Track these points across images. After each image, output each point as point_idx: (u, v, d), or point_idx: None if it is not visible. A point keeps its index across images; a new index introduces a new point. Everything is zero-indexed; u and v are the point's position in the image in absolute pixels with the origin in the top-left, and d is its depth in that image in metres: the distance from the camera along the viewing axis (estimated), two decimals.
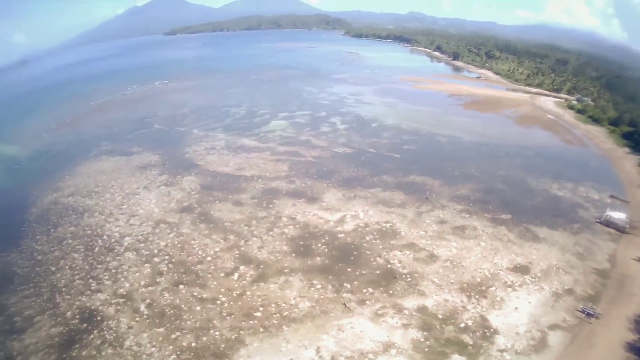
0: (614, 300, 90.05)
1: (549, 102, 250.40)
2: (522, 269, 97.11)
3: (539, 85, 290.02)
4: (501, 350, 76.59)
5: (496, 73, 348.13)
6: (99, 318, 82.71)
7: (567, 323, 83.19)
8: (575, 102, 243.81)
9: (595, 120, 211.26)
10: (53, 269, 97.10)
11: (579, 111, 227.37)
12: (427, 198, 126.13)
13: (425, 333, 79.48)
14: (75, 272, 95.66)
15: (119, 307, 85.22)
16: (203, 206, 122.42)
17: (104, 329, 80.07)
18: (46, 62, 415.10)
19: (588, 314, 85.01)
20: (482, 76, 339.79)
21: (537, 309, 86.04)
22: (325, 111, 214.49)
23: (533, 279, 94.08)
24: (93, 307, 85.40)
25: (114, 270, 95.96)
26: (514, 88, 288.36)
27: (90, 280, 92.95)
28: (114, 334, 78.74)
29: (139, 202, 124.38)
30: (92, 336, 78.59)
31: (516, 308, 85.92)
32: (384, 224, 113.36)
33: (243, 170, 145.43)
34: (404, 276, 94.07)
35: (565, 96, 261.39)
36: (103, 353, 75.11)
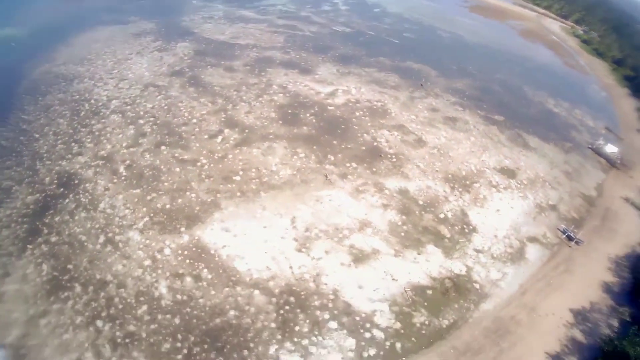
0: (597, 231, 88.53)
1: (555, 25, 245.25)
2: (508, 172, 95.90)
3: (547, 8, 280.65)
4: (477, 251, 75.48)
5: None
6: (76, 181, 79.98)
7: (547, 240, 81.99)
8: (581, 32, 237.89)
9: (600, 54, 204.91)
10: (37, 136, 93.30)
11: (584, 41, 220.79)
12: (421, 85, 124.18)
13: (403, 217, 78.22)
14: (59, 137, 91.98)
15: (98, 170, 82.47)
16: (194, 70, 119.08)
17: (80, 192, 77.46)
18: None
19: (569, 237, 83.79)
20: None
21: (519, 217, 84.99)
22: None
23: (518, 185, 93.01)
24: (72, 171, 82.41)
25: (97, 133, 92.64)
26: (521, 4, 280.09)
27: (73, 144, 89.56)
28: (90, 197, 76.25)
29: (130, 67, 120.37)
30: (67, 200, 75.94)
31: (498, 210, 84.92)
32: (375, 103, 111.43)
33: (238, 39, 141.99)
34: (389, 156, 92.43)
35: (572, 24, 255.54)
36: (76, 217, 72.70)
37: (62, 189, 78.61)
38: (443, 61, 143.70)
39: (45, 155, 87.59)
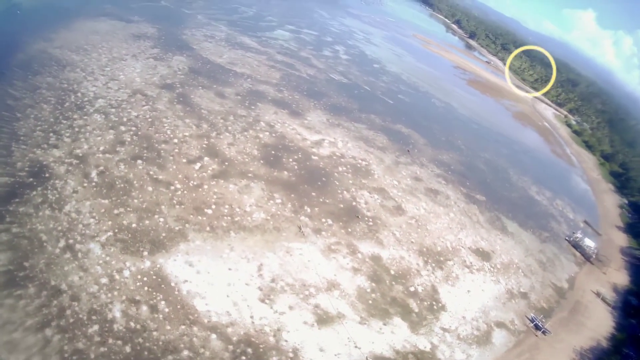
0: (565, 323, 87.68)
1: (548, 111, 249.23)
2: (483, 255, 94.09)
3: (544, 94, 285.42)
4: (444, 329, 73.20)
5: (510, 69, 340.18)
6: (47, 175, 74.85)
7: (515, 327, 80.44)
8: (574, 122, 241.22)
9: (589, 147, 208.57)
10: (19, 115, 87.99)
11: (575, 132, 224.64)
12: (408, 151, 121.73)
13: (373, 284, 75.16)
14: (39, 123, 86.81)
15: (70, 168, 77.25)
16: (185, 88, 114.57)
17: (49, 187, 72.42)
18: None
19: (537, 326, 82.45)
20: (492, 63, 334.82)
21: (489, 300, 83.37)
22: (332, 38, 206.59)
23: (492, 269, 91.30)
24: (45, 163, 77.24)
25: (77, 129, 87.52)
26: (519, 85, 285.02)
27: (51, 134, 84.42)
28: (57, 195, 71.24)
29: (123, 68, 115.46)
30: (34, 193, 70.86)
31: (469, 291, 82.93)
32: (360, 161, 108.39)
33: (235, 66, 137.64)
34: (366, 218, 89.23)
35: (566, 113, 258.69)
36: (40, 213, 67.66)
37: (31, 179, 73.53)
38: (433, 130, 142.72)
39: (22, 138, 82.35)
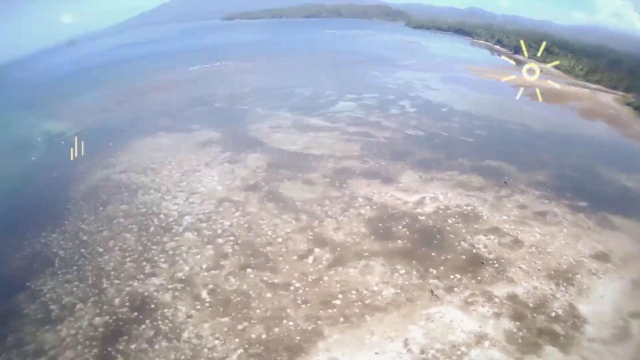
0: None
1: (608, 97, 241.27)
2: (603, 257, 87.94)
3: (597, 82, 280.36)
4: (591, 340, 67.83)
5: (556, 68, 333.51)
6: (152, 306, 70.59)
7: None
8: (633, 99, 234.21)
9: None
10: (101, 250, 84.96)
11: (637, 108, 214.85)
12: (505, 182, 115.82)
13: (517, 323, 69.88)
14: (127, 254, 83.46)
15: (176, 294, 73.10)
16: (271, 185, 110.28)
17: (159, 318, 67.96)
18: (98, 43, 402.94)
19: None
20: (543, 69, 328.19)
21: (619, 297, 77.58)
22: (393, 94, 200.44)
23: (614, 267, 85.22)
24: (146, 294, 73.24)
25: (171, 252, 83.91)
26: (574, 83, 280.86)
27: (144, 263, 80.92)
28: (170, 324, 66.63)
29: (200, 180, 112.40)
30: (143, 326, 66.43)
31: (602, 297, 77.12)
32: (465, 207, 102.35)
33: (312, 149, 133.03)
34: (490, 262, 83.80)
35: (622, 93, 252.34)
36: (156, 346, 63.03)
37: (136, 313, 69.48)
38: (519, 154, 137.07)
39: (112, 273, 78.99)
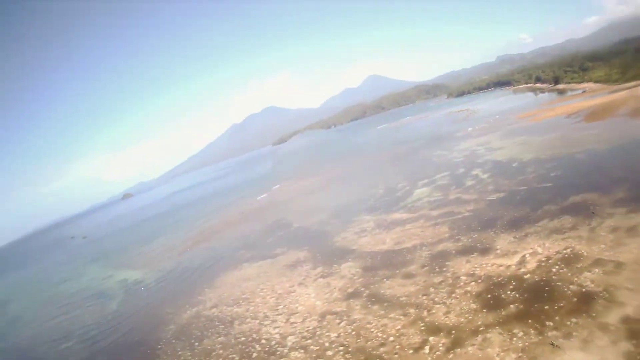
0: None
1: None
2: None
3: (634, 78, 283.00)
4: None
5: (596, 82, 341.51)
6: None
7: None
8: None
9: None
10: None
11: None
12: (593, 212, 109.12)
13: (634, 341, 63.89)
14: None
15: None
16: (370, 288, 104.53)
17: None
18: (155, 193, 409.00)
19: None
20: (587, 89, 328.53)
21: None
22: (463, 167, 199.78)
23: None
24: None
25: None
26: (616, 89, 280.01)
27: None
28: None
29: (297, 300, 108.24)
30: None
31: None
32: (564, 251, 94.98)
33: (403, 244, 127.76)
34: (600, 294, 76.68)
35: None
36: None
37: None
38: (596, 180, 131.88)
39: None
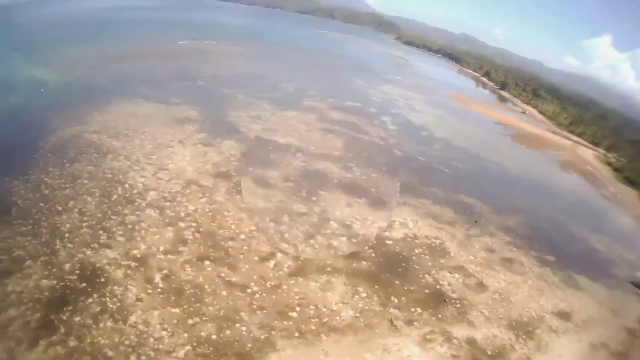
0: None
1: (589, 153, 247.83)
2: (565, 316, 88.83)
3: (580, 135, 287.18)
4: None
5: (540, 112, 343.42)
6: (102, 280, 66.25)
7: None
8: (613, 160, 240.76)
9: (631, 183, 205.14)
10: (59, 208, 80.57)
11: (616, 169, 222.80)
12: (476, 222, 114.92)
13: None
14: (85, 218, 78.99)
15: (129, 272, 68.72)
16: (241, 176, 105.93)
17: (107, 294, 63.69)
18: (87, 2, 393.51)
19: None
20: (527, 112, 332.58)
21: (577, 359, 78.61)
22: (375, 107, 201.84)
23: (575, 328, 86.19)
24: (98, 265, 68.72)
25: (130, 226, 79.44)
26: (556, 131, 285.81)
27: (101, 232, 76.36)
28: (118, 304, 62.51)
29: (171, 156, 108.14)
30: (90, 300, 62.11)
31: (560, 355, 77.75)
32: (433, 240, 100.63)
33: (283, 137, 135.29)
34: (453, 301, 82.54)
35: (604, 152, 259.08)
36: (101, 325, 58.73)
37: (84, 284, 64.96)
38: (494, 195, 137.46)
39: (67, 235, 74.46)
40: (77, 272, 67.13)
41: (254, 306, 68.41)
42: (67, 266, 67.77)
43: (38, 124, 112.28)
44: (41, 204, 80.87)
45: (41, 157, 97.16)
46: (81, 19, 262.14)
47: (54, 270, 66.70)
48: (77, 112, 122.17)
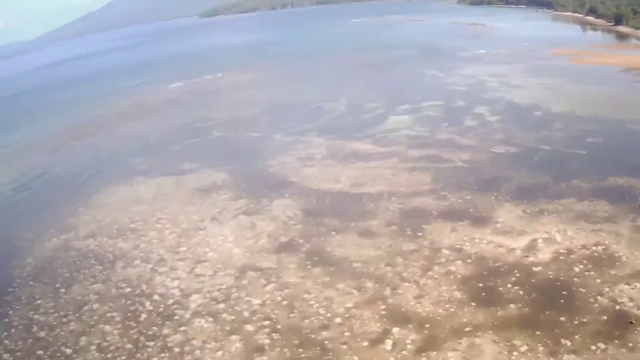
0: None
1: None
2: None
3: None
4: None
5: None
6: None
7: None
8: None
9: None
10: (68, 351, 78.24)
11: None
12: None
13: None
14: (110, 356, 76.16)
15: None
16: (312, 241, 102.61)
17: None
18: (35, 56, 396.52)
19: None
20: None
21: None
22: (464, 100, 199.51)
23: None
24: None
25: (177, 349, 76.35)
26: None
27: None
28: None
29: (207, 242, 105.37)
30: None
31: None
32: (594, 248, 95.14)
33: (364, 186, 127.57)
34: None
35: None
36: None
37: None
38: None
39: None
40: None
41: None
42: None
43: (2, 244, 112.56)
44: (39, 352, 78.85)
45: (21, 289, 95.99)
46: (20, 86, 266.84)
47: None
48: (53, 215, 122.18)
